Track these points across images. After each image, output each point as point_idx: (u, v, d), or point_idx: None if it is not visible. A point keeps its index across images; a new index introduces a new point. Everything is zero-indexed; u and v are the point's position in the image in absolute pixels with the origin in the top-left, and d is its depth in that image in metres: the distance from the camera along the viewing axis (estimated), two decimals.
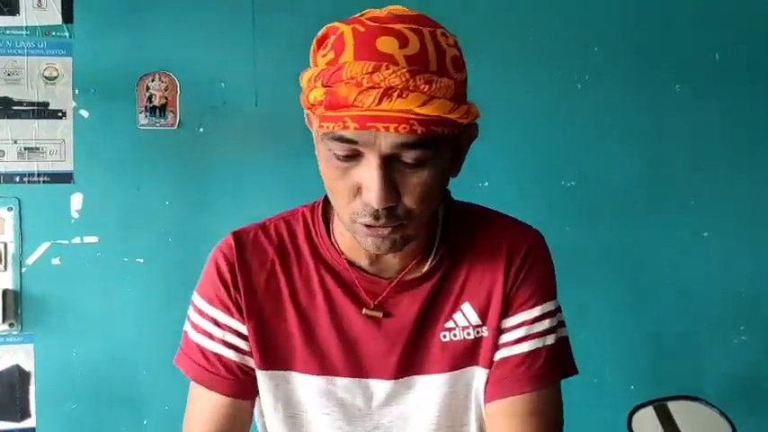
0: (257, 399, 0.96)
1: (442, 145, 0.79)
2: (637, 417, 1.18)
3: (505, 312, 0.92)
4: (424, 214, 0.82)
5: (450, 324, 0.92)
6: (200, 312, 0.94)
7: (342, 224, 0.86)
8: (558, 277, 1.74)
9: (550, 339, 0.93)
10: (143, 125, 1.76)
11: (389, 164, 0.77)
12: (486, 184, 1.87)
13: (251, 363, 0.93)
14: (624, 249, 1.93)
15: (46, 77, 1.72)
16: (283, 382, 0.93)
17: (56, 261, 1.73)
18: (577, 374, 0.96)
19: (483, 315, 0.92)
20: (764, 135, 1.97)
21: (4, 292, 1.70)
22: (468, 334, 0.92)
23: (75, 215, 1.74)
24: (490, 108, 1.84)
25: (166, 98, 1.76)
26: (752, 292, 1.98)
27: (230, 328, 0.93)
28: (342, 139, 0.76)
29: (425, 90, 0.74)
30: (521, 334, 0.92)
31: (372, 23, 0.77)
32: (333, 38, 0.79)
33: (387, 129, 0.74)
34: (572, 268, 1.88)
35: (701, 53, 1.94)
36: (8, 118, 1.71)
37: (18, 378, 1.71)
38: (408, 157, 0.77)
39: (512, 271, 0.92)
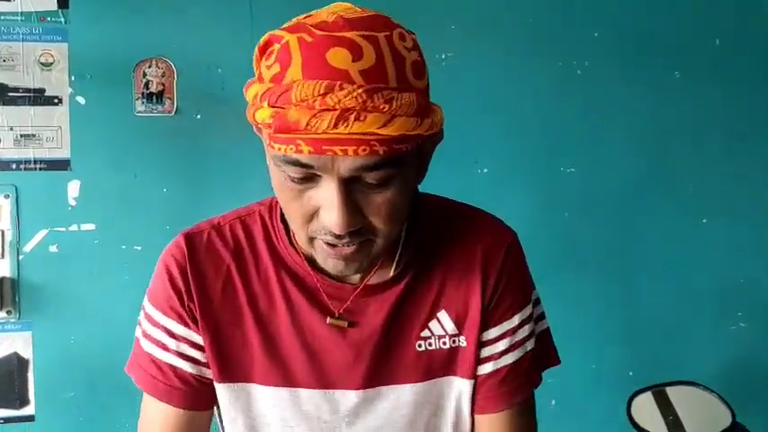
0: (216, 407, 0.92)
1: (407, 161, 0.73)
2: (636, 402, 1.18)
3: (486, 324, 0.89)
4: (392, 233, 0.77)
5: (425, 333, 0.88)
6: (153, 321, 0.88)
7: None
8: (557, 263, 1.75)
9: (530, 344, 0.92)
10: (140, 112, 1.75)
11: (350, 185, 0.71)
12: (486, 170, 1.86)
13: (208, 374, 0.88)
14: (623, 236, 1.93)
15: (42, 64, 1.71)
16: (243, 394, 0.88)
17: (53, 248, 1.73)
18: (560, 365, 0.97)
19: (460, 324, 0.88)
20: (765, 121, 1.97)
21: (2, 279, 1.69)
22: (444, 343, 0.88)
23: (73, 202, 1.73)
24: (489, 95, 1.86)
25: (163, 84, 1.75)
26: (750, 279, 1.98)
27: (185, 338, 0.87)
28: (296, 163, 0.70)
29: (385, 110, 0.67)
30: (505, 345, 0.90)
31: (320, 32, 0.69)
32: (277, 47, 0.71)
33: (345, 152, 0.67)
34: (571, 254, 1.89)
35: (701, 39, 1.93)
36: (4, 105, 1.69)
37: (16, 365, 1.71)
38: (371, 177, 0.71)
39: (490, 282, 0.88)
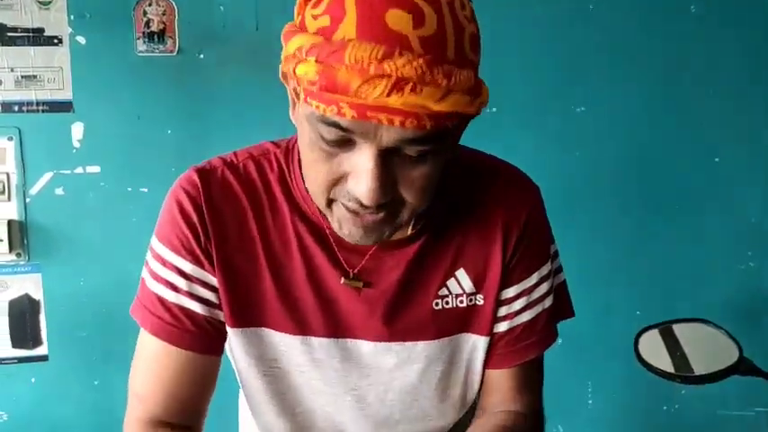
0: (231, 354, 0.90)
1: (450, 137, 0.70)
2: (642, 339, 1.18)
3: (504, 283, 0.88)
4: (419, 206, 0.73)
5: (443, 292, 0.87)
6: (162, 261, 0.83)
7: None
8: (568, 202, 1.73)
9: (548, 301, 0.91)
10: (141, 51, 1.71)
11: (388, 156, 0.67)
12: (495, 110, 1.83)
13: (220, 316, 0.85)
14: (634, 175, 1.90)
15: (39, 2, 1.67)
16: (256, 339, 0.86)
17: (59, 191, 1.72)
18: (574, 317, 0.97)
19: (478, 283, 0.87)
20: None
21: (10, 222, 1.69)
22: (461, 302, 0.87)
23: (77, 145, 1.72)
24: (498, 32, 1.80)
25: (164, 23, 1.71)
26: (761, 219, 1.96)
27: (198, 279, 0.83)
28: (334, 125, 0.65)
29: (443, 84, 0.62)
30: (521, 304, 0.89)
31: None
32: None
33: (391, 122, 0.62)
34: (580, 194, 1.87)
35: None
36: (3, 45, 1.66)
37: (28, 307, 1.73)
38: (412, 151, 0.67)
39: (511, 241, 0.86)
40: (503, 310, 0.89)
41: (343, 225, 0.74)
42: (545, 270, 0.90)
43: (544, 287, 0.90)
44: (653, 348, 1.16)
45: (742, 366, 1.09)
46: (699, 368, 1.12)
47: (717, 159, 1.93)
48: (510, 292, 0.88)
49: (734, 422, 1.93)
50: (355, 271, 0.84)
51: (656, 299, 1.93)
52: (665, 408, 1.94)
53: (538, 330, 0.91)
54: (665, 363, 1.14)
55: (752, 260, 1.97)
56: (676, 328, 1.18)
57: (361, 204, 0.69)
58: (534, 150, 1.79)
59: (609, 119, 1.88)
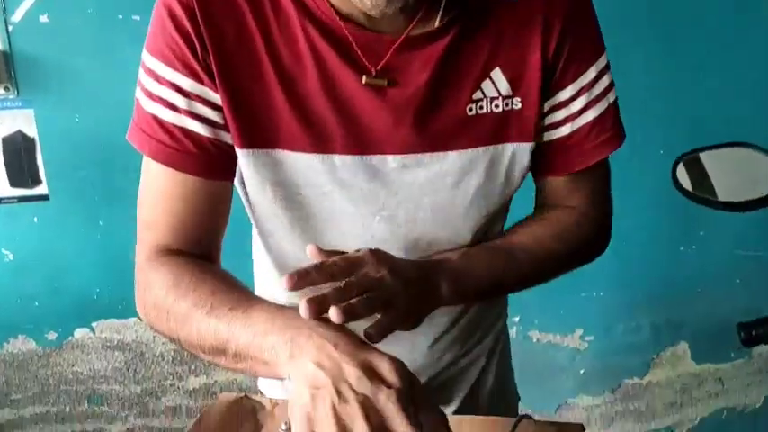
0: (239, 176, 0.83)
1: None
2: (680, 168, 1.11)
3: (549, 82, 0.81)
4: None
5: (477, 95, 0.79)
6: (156, 77, 0.76)
7: None
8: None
9: (612, 95, 0.85)
10: None
11: None
12: None
13: (226, 138, 0.79)
14: (663, 17, 1.74)
15: None
16: (269, 161, 0.80)
17: (44, 18, 1.59)
18: None
19: (515, 84, 0.80)
20: None
21: None
22: (497, 106, 0.80)
23: None
24: None
25: None
26: None
27: (198, 96, 0.77)
28: None
29: None
30: (582, 103, 0.83)
31: None
32: None
33: None
34: (610, 18, 1.72)
35: None
36: None
37: (22, 144, 1.65)
38: None
39: (553, 33, 0.79)
40: (561, 114, 0.84)
41: None
42: (602, 62, 0.84)
43: (605, 80, 0.85)
44: (694, 175, 1.09)
45: None
46: (738, 195, 1.06)
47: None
48: (566, 93, 0.83)
49: (750, 262, 1.91)
50: (378, 68, 0.76)
51: (679, 139, 1.84)
52: (681, 248, 1.92)
53: (608, 128, 0.86)
54: (706, 189, 1.07)
55: None
56: (718, 152, 1.10)
57: None
58: None
59: None
